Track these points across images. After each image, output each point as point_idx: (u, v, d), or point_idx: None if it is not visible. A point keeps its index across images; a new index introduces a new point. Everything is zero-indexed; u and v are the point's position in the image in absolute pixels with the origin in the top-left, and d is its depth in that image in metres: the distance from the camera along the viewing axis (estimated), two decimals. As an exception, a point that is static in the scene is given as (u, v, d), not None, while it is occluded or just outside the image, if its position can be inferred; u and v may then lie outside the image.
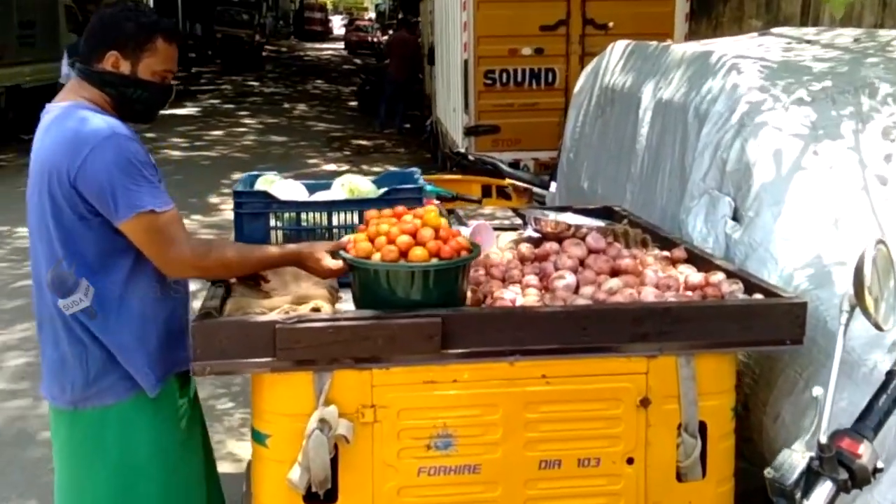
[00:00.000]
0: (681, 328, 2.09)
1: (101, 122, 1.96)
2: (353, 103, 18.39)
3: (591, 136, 4.38)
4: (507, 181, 4.32)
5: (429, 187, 3.96)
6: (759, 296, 2.21)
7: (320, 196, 2.59)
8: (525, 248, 2.55)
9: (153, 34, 2.05)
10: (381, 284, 2.02)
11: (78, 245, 1.97)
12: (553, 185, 5.73)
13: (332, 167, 10.59)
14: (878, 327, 1.54)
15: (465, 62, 6.30)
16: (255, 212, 2.41)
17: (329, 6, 57.56)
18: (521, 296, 2.30)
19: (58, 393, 2.06)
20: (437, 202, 3.96)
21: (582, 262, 2.43)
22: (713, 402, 2.15)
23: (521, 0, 6.38)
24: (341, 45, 38.70)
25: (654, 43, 3.94)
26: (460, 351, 2.03)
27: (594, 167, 4.28)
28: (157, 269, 2.03)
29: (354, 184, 2.58)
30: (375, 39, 33.58)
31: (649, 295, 2.21)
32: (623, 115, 3.92)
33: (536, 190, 5.73)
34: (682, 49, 3.56)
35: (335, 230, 2.41)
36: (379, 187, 2.64)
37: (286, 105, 18.56)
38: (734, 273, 2.41)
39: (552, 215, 2.82)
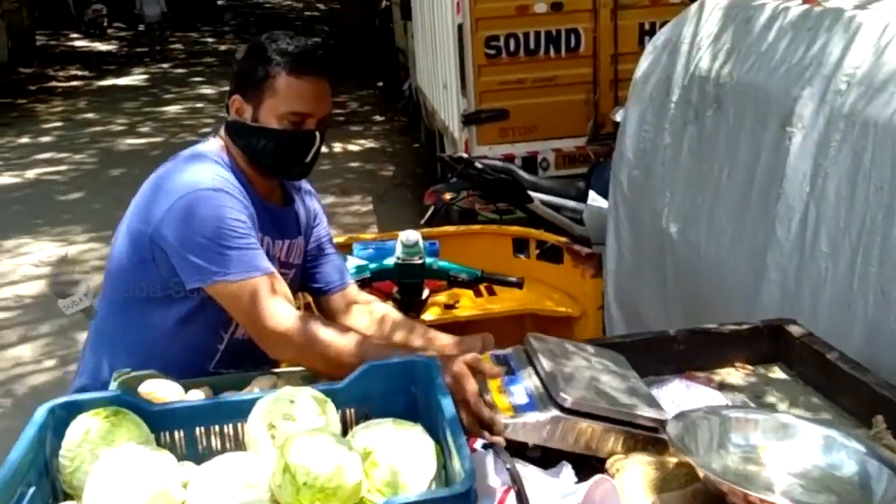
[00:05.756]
0: None
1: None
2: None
3: (679, 150, 2.83)
4: (555, 238, 2.79)
5: (438, 264, 2.43)
6: None
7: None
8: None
9: (272, 68, 1.68)
10: None
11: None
12: (592, 196, 4.20)
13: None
14: None
15: (459, 27, 4.66)
16: None
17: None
18: None
19: None
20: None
21: None
22: None
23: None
24: (303, -12, 36.15)
25: (810, 6, 2.34)
26: None
27: (688, 204, 2.74)
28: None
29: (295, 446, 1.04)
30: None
31: None
32: (749, 127, 2.37)
33: (569, 204, 4.20)
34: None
35: None
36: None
37: (244, 66, 16.61)
38: None
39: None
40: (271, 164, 1.73)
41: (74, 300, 1.79)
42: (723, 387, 1.74)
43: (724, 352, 1.83)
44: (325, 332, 1.51)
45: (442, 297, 2.58)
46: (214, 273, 1.55)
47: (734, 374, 1.80)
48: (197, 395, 1.42)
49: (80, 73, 15.40)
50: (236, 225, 1.59)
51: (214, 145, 1.77)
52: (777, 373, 1.80)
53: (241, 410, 1.17)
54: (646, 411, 1.39)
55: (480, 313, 2.55)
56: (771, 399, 1.69)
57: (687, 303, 2.78)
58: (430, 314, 2.51)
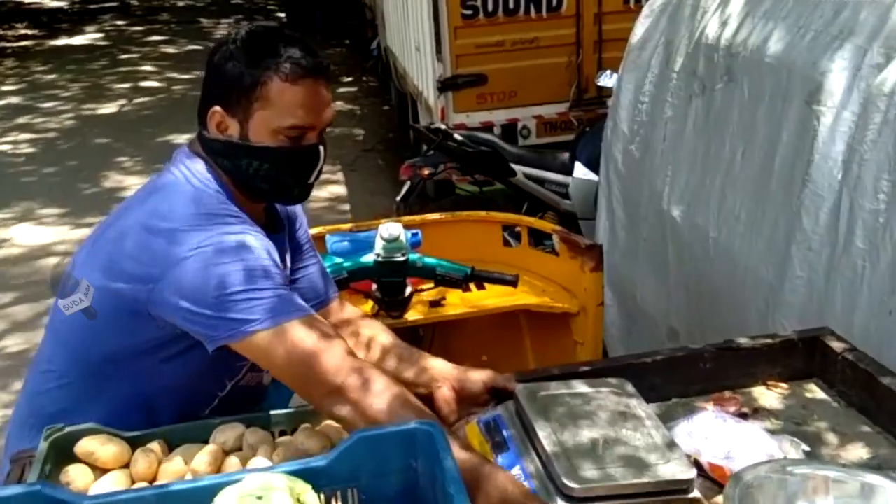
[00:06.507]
0: None
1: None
2: (282, 14, 15.92)
3: (682, 126, 2.59)
4: (550, 226, 2.53)
5: (423, 260, 2.18)
6: None
7: None
8: None
9: (261, 73, 1.35)
10: None
11: None
12: (578, 168, 3.95)
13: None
14: None
15: (433, -15, 4.36)
16: None
17: None
18: None
19: None
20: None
21: None
22: None
23: None
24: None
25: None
26: None
27: (693, 185, 2.51)
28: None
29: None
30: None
31: None
32: (768, 104, 2.13)
33: (554, 177, 3.95)
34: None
35: None
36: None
37: (205, 22, 15.95)
38: None
39: None
40: (268, 189, 1.42)
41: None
42: (757, 411, 1.53)
43: (754, 367, 1.62)
44: (386, 390, 1.20)
45: (427, 294, 2.33)
46: (246, 323, 1.24)
47: (767, 394, 1.59)
48: (144, 459, 1.16)
49: (30, 31, 14.68)
50: (266, 264, 1.29)
51: (198, 165, 1.41)
52: (814, 391, 1.59)
53: (195, 501, 0.92)
54: (669, 472, 1.16)
55: (470, 311, 2.31)
56: (814, 426, 1.48)
57: (690, 286, 2.57)
58: (414, 313, 2.26)
